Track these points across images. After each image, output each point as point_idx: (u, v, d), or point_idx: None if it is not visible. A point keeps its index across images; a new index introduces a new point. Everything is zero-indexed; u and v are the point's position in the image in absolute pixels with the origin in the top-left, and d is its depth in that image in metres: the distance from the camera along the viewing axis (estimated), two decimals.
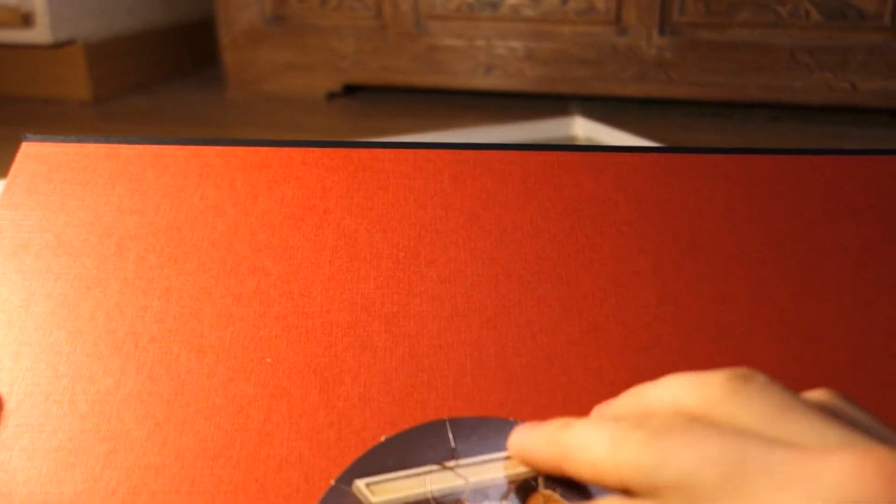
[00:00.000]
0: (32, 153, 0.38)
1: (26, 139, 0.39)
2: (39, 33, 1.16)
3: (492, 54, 1.17)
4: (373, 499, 0.26)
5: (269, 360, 0.30)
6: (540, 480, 0.26)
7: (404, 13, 1.17)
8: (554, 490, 0.26)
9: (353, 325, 0.31)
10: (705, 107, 1.17)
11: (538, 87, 1.17)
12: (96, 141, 0.39)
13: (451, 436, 0.28)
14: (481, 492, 0.26)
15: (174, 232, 0.35)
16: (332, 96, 1.26)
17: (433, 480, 0.27)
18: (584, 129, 0.88)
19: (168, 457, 0.26)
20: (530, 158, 0.38)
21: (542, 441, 0.25)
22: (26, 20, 1.15)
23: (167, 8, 1.42)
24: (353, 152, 0.38)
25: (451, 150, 0.39)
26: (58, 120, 1.14)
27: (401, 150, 0.39)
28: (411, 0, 1.16)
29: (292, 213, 0.36)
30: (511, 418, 0.29)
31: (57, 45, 1.18)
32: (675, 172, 0.38)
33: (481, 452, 0.28)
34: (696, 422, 0.21)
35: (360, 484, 0.26)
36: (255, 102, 1.24)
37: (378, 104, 1.23)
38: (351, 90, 1.28)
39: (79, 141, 0.39)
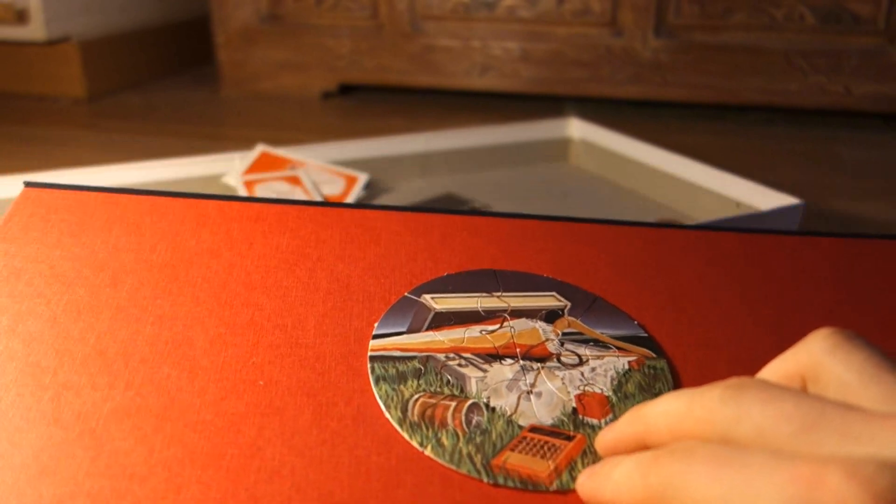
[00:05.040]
0: (31, 198, 0.39)
1: (27, 185, 0.40)
2: (34, 30, 1.15)
3: (487, 55, 1.17)
4: (436, 306, 0.35)
5: (261, 382, 0.30)
6: (565, 310, 0.35)
7: (400, 13, 1.17)
8: (576, 318, 0.35)
9: (347, 355, 0.32)
10: (700, 109, 1.18)
11: (533, 88, 1.17)
12: (96, 190, 0.40)
13: (497, 278, 0.37)
14: (518, 313, 0.35)
15: (169, 269, 0.35)
16: (327, 96, 1.26)
17: (482, 301, 0.36)
18: (579, 130, 0.88)
19: (155, 466, 0.26)
20: (514, 225, 0.41)
21: (624, 422, 0.26)
22: (21, 17, 1.15)
23: (162, 5, 1.41)
24: (346, 212, 0.40)
25: (440, 214, 0.41)
26: (52, 117, 1.13)
27: (391, 211, 0.41)
28: (407, 0, 1.16)
29: (286, 259, 0.37)
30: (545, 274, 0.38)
31: (51, 43, 1.18)
32: (651, 242, 0.41)
33: (520, 290, 0.36)
34: (769, 382, 0.22)
35: (426, 296, 0.35)
36: (250, 101, 1.24)
37: (373, 104, 1.23)
38: (346, 90, 1.28)
39: (78, 189, 0.40)
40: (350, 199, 0.72)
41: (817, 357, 0.23)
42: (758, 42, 1.07)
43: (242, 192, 0.70)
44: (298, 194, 0.70)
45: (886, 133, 1.07)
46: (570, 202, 0.75)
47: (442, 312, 0.34)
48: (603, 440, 0.27)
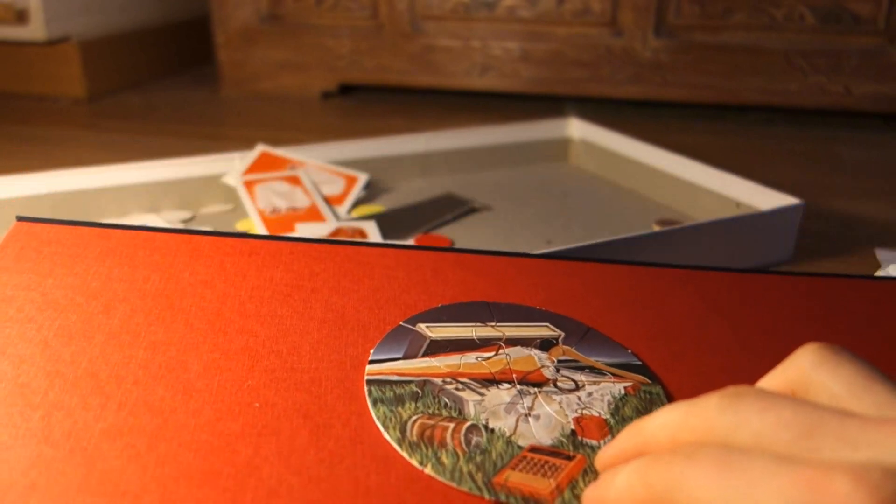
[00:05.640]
0: (24, 231, 0.39)
1: (19, 220, 0.39)
2: (34, 30, 1.15)
3: (487, 55, 1.17)
4: (431, 334, 0.35)
5: (257, 404, 0.30)
6: (560, 339, 0.36)
7: (400, 13, 1.17)
8: (571, 347, 0.35)
9: (343, 380, 0.32)
10: (700, 109, 1.18)
11: (533, 88, 1.17)
12: (89, 225, 0.40)
13: (491, 310, 0.37)
14: (513, 341, 0.35)
15: (162, 298, 0.35)
16: (327, 96, 1.26)
17: (477, 330, 0.36)
18: (579, 130, 0.88)
19: (148, 484, 0.26)
20: (505, 262, 0.42)
21: (623, 438, 0.26)
22: (21, 17, 1.15)
23: (162, 5, 1.41)
24: (339, 247, 0.41)
25: (433, 252, 0.42)
26: (52, 117, 1.13)
27: (384, 248, 0.41)
28: (407, 0, 1.16)
29: (281, 290, 0.37)
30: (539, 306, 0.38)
31: (51, 43, 1.18)
32: (641, 279, 0.42)
33: (514, 321, 0.37)
34: (765, 390, 0.22)
35: (421, 325, 0.36)
36: (250, 101, 1.24)
37: (373, 104, 1.23)
38: (346, 90, 1.28)
39: (71, 224, 0.40)
40: (350, 199, 0.72)
41: (806, 371, 0.23)
42: (758, 42, 1.07)
43: (242, 192, 0.70)
44: (298, 194, 0.70)
45: (886, 133, 1.07)
46: (570, 202, 0.75)
47: (437, 340, 0.35)
48: (603, 457, 0.27)
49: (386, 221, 0.68)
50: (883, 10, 1.02)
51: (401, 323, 0.36)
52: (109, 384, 0.30)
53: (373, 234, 0.64)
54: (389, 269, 0.40)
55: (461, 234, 0.67)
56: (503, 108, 1.18)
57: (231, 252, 0.39)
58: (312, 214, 0.67)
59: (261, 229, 0.64)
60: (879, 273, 0.55)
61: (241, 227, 0.67)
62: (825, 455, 0.20)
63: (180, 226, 0.66)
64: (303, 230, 0.64)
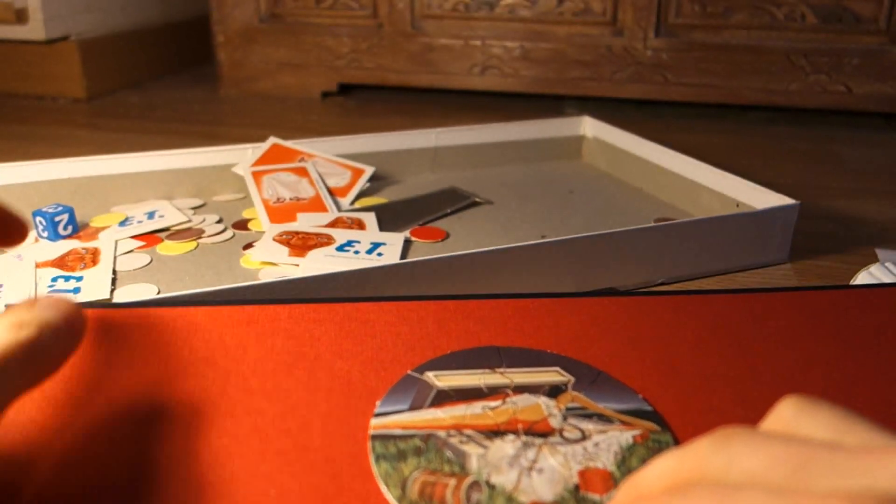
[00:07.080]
0: None
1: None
2: (33, 30, 1.15)
3: (488, 54, 1.17)
4: (439, 384, 0.35)
5: (272, 492, 0.29)
6: (569, 385, 0.36)
7: (400, 12, 1.17)
8: (580, 392, 0.35)
9: (357, 456, 0.31)
10: (700, 108, 1.18)
11: (534, 87, 1.17)
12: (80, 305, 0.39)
13: (500, 355, 0.37)
14: (521, 388, 0.35)
15: (165, 383, 0.35)
16: (326, 95, 1.26)
17: (485, 378, 0.36)
18: (592, 129, 0.88)
19: None
20: (508, 305, 0.42)
21: (622, 494, 0.26)
22: (20, 16, 1.14)
23: (162, 5, 1.41)
24: (338, 306, 0.40)
25: (434, 301, 0.41)
26: (51, 116, 1.13)
27: (383, 302, 0.41)
28: None
29: (283, 360, 0.36)
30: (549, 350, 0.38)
31: (50, 42, 1.17)
32: (647, 310, 0.42)
33: (523, 366, 0.37)
34: (755, 429, 0.23)
35: (429, 374, 0.36)
36: (249, 100, 1.24)
37: (373, 103, 1.23)
38: (346, 89, 1.28)
39: None
40: (354, 190, 0.72)
41: (788, 422, 0.24)
42: (759, 41, 1.07)
43: (250, 183, 0.70)
44: (304, 185, 0.71)
45: (887, 132, 1.08)
46: (574, 199, 0.75)
47: (444, 390, 0.35)
48: None
49: (385, 213, 0.68)
50: (884, 10, 1.02)
51: (409, 372, 0.35)
52: (123, 488, 0.29)
53: (371, 224, 0.65)
54: (391, 325, 0.39)
55: (457, 227, 0.67)
56: (504, 108, 1.18)
57: (228, 322, 0.38)
58: (315, 205, 0.68)
59: (263, 217, 0.66)
60: (857, 279, 0.55)
61: (247, 215, 0.68)
62: (818, 486, 0.20)
63: (190, 212, 0.69)
64: (304, 219, 0.66)
